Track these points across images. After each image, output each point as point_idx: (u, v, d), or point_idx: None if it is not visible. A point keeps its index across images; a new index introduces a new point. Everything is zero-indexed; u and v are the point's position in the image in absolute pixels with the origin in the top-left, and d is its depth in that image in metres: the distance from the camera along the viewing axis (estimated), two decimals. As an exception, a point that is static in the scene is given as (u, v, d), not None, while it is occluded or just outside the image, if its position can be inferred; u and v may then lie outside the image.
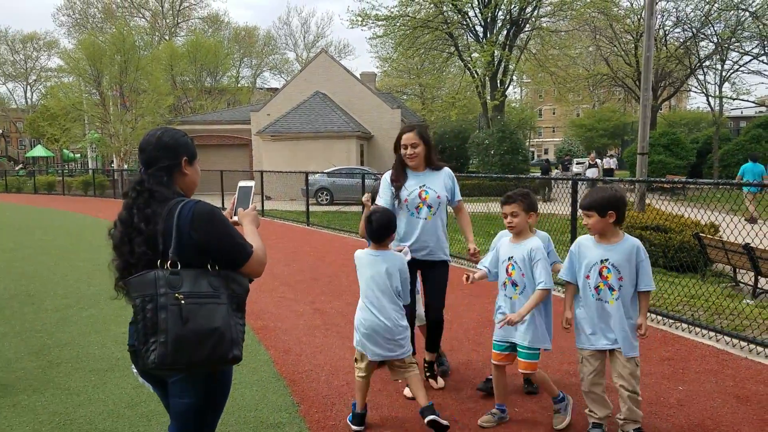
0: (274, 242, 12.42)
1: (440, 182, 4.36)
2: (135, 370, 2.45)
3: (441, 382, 4.52)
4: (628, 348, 3.51)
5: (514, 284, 3.75)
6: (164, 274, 2.16)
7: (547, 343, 3.82)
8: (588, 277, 3.57)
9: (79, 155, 53.00)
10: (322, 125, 26.91)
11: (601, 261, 3.51)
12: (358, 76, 32.21)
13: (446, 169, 4.46)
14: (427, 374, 4.53)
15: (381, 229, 3.79)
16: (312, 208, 16.88)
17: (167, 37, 52.08)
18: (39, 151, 47.11)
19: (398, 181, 4.32)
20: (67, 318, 6.56)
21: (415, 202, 4.26)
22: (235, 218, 2.60)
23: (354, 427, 3.79)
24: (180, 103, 45.60)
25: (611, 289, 3.50)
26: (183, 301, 2.13)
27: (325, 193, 22.99)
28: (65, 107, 31.55)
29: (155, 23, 54.09)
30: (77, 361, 5.16)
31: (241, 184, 2.74)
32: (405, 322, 3.79)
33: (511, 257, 3.76)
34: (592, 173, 22.00)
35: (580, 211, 3.92)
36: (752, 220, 12.75)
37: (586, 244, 3.63)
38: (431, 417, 3.59)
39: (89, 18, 53.01)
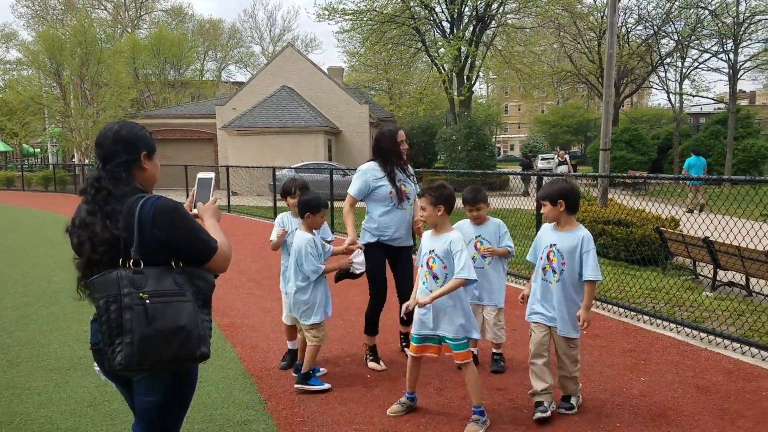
0: (240, 238, 12.30)
1: (410, 177, 4.88)
2: (98, 369, 2.40)
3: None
4: (563, 328, 3.83)
5: (435, 277, 3.77)
6: (127, 273, 2.11)
7: (472, 331, 3.80)
8: (541, 258, 3.95)
9: (39, 150, 51.71)
10: (290, 120, 26.71)
11: (550, 245, 3.88)
12: (326, 71, 32.06)
13: (409, 167, 4.96)
14: (403, 344, 5.03)
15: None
16: (279, 204, 16.75)
17: (130, 30, 51.05)
18: (-3, 145, 45.81)
19: (390, 174, 4.67)
20: (27, 316, 6.40)
21: (402, 195, 4.70)
22: (195, 211, 2.53)
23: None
24: (143, 96, 44.74)
25: (554, 271, 3.85)
26: (148, 301, 2.08)
27: (292, 188, 22.82)
28: (24, 101, 30.76)
29: (117, 15, 52.97)
30: (38, 360, 5.04)
31: (200, 176, 2.66)
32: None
33: (432, 250, 3.78)
34: (562, 170, 22.30)
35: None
36: (698, 209, 13.31)
37: (545, 229, 4.02)
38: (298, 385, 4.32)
39: (49, 10, 51.59)
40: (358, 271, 4.51)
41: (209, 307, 2.30)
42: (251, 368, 4.84)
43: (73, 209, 2.34)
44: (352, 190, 4.71)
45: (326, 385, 4.38)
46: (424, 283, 3.81)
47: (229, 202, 18.53)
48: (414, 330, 3.88)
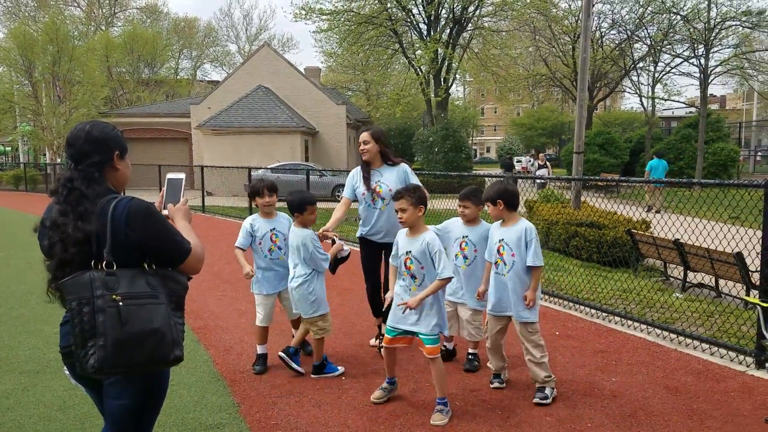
0: (215, 239, 12.19)
1: (394, 177, 4.92)
2: (67, 372, 2.36)
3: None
4: (519, 313, 4.19)
5: (413, 277, 3.93)
6: (100, 275, 2.08)
7: (444, 328, 4.03)
8: (494, 254, 4.29)
9: (9, 148, 50.67)
10: (266, 120, 26.55)
11: (499, 240, 4.25)
12: (303, 71, 31.92)
13: (402, 165, 5.03)
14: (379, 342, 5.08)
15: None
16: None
17: (103, 27, 50.29)
18: (-35, 143, 44.85)
19: (365, 176, 5.00)
20: (-6, 319, 6.27)
21: (371, 195, 4.96)
22: (165, 212, 2.50)
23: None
24: (116, 95, 44.13)
25: (505, 264, 4.21)
26: (121, 303, 2.06)
27: (268, 189, 22.69)
28: (-6, 98, 30.11)
29: (91, 13, 52.07)
30: (6, 363, 4.94)
31: (170, 176, 2.63)
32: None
33: (409, 251, 3.92)
34: (542, 173, 22.39)
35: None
36: (655, 208, 13.73)
37: (493, 228, 4.42)
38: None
39: (21, 6, 50.59)
40: (344, 254, 4.74)
41: (182, 310, 2.28)
42: (224, 371, 4.80)
43: (44, 209, 2.30)
44: (344, 191, 5.19)
45: (341, 368, 4.75)
46: (403, 280, 3.97)
47: (203, 202, 18.37)
48: (390, 322, 4.04)
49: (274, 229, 4.88)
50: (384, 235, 5.01)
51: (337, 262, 4.77)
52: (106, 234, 2.13)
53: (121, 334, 2.04)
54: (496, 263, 4.27)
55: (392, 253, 4.14)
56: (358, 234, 5.23)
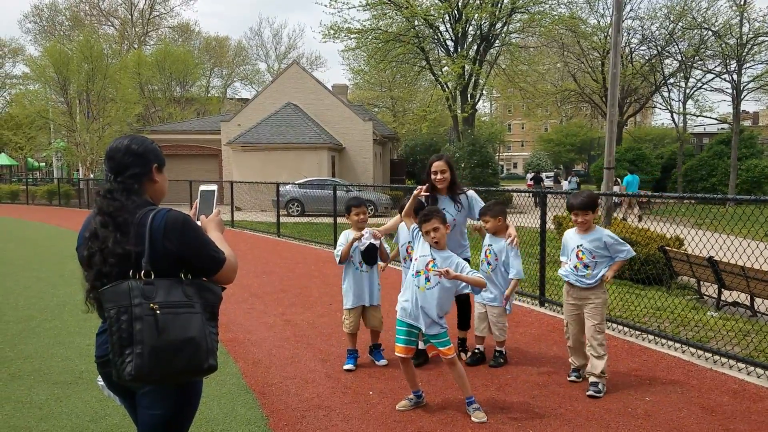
0: (244, 253, 12.30)
1: (453, 206, 5.23)
2: (101, 383, 2.39)
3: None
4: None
5: (428, 279, 4.16)
6: (138, 284, 2.12)
7: (443, 324, 4.24)
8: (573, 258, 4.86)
9: (44, 164, 51.91)
10: (294, 136, 26.82)
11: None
12: (330, 88, 32.22)
13: (469, 192, 5.40)
14: (459, 350, 5.42)
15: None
16: (283, 219, 16.78)
17: (136, 46, 51.45)
18: (2, 159, 45.92)
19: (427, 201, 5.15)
20: (29, 330, 6.39)
21: None
22: (199, 223, 2.53)
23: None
24: (148, 112, 45.01)
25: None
26: (158, 312, 2.09)
27: (296, 204, 22.89)
28: (30, 115, 30.94)
29: (124, 32, 53.38)
30: (39, 374, 5.02)
31: (203, 188, 2.66)
32: None
33: (435, 259, 4.18)
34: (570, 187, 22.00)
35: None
36: (637, 218, 13.75)
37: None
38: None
39: (57, 25, 52.11)
40: (362, 247, 5.06)
41: (216, 320, 2.30)
42: (253, 384, 4.81)
43: (77, 223, 2.36)
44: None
45: (384, 361, 5.21)
46: (417, 276, 4.20)
47: (232, 217, 18.55)
48: (400, 333, 4.26)
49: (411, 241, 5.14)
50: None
51: (367, 253, 5.10)
52: (144, 244, 2.17)
53: (158, 342, 2.07)
54: (575, 267, 4.74)
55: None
56: None
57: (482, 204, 5.32)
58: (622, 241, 4.78)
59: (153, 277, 2.15)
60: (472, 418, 4.09)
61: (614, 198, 14.74)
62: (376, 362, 5.25)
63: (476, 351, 5.31)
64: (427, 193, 4.99)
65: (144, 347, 2.06)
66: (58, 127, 31.58)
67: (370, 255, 5.12)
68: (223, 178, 29.12)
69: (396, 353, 4.29)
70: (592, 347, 4.68)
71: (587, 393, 4.56)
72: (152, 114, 45.75)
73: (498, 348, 5.28)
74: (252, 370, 5.16)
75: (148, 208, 2.25)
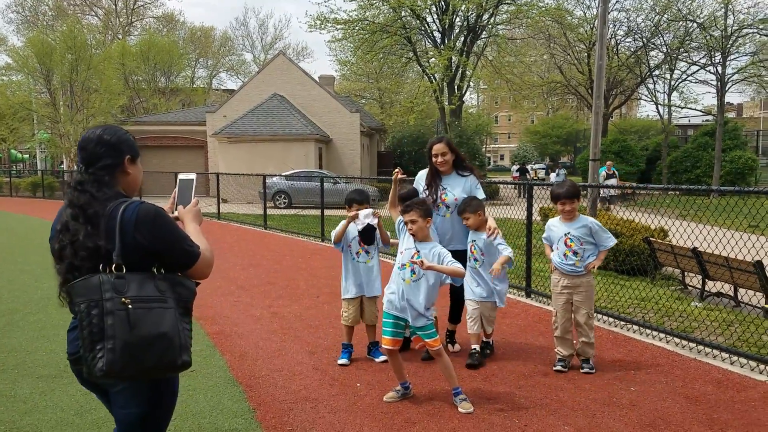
0: (230, 245, 12.24)
1: (460, 187, 5.13)
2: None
3: (457, 347, 5.45)
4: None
5: (413, 271, 4.18)
6: (109, 278, 2.07)
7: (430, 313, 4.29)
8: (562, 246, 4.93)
9: (27, 156, 51.30)
10: (280, 128, 26.68)
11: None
12: (317, 79, 32.08)
13: (471, 177, 5.21)
14: (447, 341, 5.47)
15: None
16: (269, 212, 16.70)
17: (120, 36, 50.87)
18: (-16, 151, 45.45)
19: (430, 184, 5.16)
20: (13, 323, 6.33)
21: (440, 202, 5.12)
22: (176, 213, 2.48)
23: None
24: (132, 103, 44.56)
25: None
26: (130, 306, 2.05)
27: (283, 196, 22.81)
28: (13, 106, 30.54)
29: (108, 22, 52.73)
30: (24, 368, 4.97)
31: (181, 177, 2.58)
32: None
33: (419, 251, 4.20)
34: (612, 183, 19.76)
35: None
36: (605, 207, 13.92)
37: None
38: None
39: (40, 15, 51.34)
40: (359, 227, 4.98)
41: (190, 315, 2.26)
42: (240, 376, 4.80)
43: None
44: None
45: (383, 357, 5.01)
46: (402, 269, 4.22)
47: (219, 209, 18.46)
48: (387, 326, 4.26)
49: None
50: (449, 241, 5.09)
51: (364, 233, 5.04)
52: (114, 237, 2.11)
53: (130, 338, 2.03)
54: (564, 255, 4.84)
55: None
56: None
57: (482, 193, 5.21)
58: (605, 229, 4.90)
59: (124, 271, 2.10)
60: (459, 409, 4.11)
61: (609, 190, 14.72)
62: (375, 360, 5.15)
63: (473, 351, 5.10)
64: (403, 176, 5.09)
65: (116, 342, 2.01)
66: (41, 119, 31.22)
67: (368, 235, 5.04)
68: (208, 169, 28.97)
69: (383, 345, 4.31)
70: (583, 333, 4.85)
71: (582, 370, 4.82)
72: (137, 105, 45.31)
73: (485, 339, 5.27)
74: (239, 362, 5.14)
75: (120, 201, 2.19)
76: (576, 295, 4.87)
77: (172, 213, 2.50)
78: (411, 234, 4.22)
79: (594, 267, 4.85)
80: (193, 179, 2.58)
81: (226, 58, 59.26)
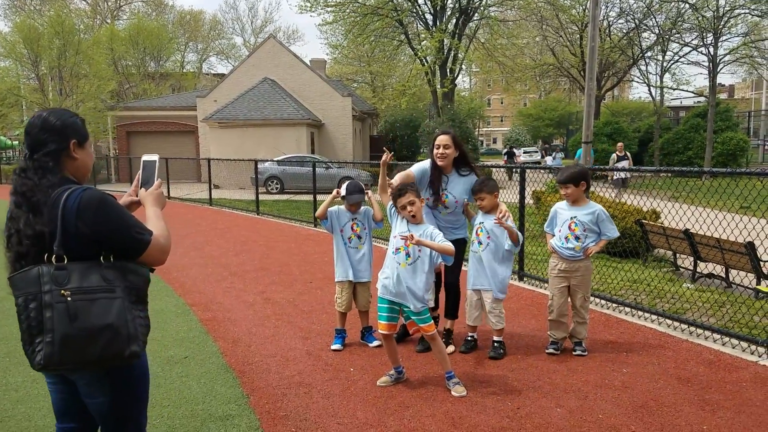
0: (222, 231, 12.20)
1: (460, 188, 4.94)
2: None
3: (451, 347, 5.08)
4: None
5: (408, 254, 4.19)
6: (49, 269, 2.02)
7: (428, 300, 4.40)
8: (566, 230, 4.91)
9: (17, 143, 50.82)
10: (272, 112, 26.51)
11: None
12: (308, 63, 31.83)
13: (472, 176, 5.00)
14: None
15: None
16: (262, 197, 16.65)
17: (109, 21, 50.29)
18: (-27, 138, 44.97)
19: (433, 180, 4.92)
20: (2, 311, 6.28)
21: (434, 201, 4.94)
22: (132, 198, 2.42)
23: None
24: (122, 88, 44.15)
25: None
26: (69, 298, 2.00)
27: (275, 181, 22.72)
28: (1, 92, 30.18)
29: (96, 6, 52.08)
30: (15, 356, 4.95)
31: (145, 158, 2.49)
32: None
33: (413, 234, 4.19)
34: (623, 165, 18.85)
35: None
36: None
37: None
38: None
39: (26, 0, 50.67)
40: (344, 192, 5.08)
41: (144, 303, 2.21)
42: (233, 362, 4.79)
43: None
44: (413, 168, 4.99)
45: (376, 342, 5.04)
46: (397, 253, 4.22)
47: (210, 195, 18.38)
48: (381, 300, 4.28)
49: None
50: (447, 233, 4.92)
51: (349, 192, 5.06)
52: (56, 226, 2.06)
53: (70, 330, 1.99)
54: (566, 238, 4.85)
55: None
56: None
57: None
58: (611, 219, 4.91)
59: (66, 261, 2.05)
60: (452, 393, 4.12)
61: (622, 174, 14.41)
62: (369, 345, 5.15)
63: (469, 338, 5.04)
64: (393, 159, 4.97)
65: (54, 335, 1.97)
66: (30, 105, 30.88)
67: (353, 192, 5.04)
68: (200, 155, 28.79)
69: (379, 330, 4.31)
70: (579, 315, 4.92)
71: (575, 353, 4.87)
72: (126, 90, 44.90)
73: (496, 338, 4.93)
74: (232, 348, 5.13)
75: (64, 188, 2.11)
76: (573, 279, 4.88)
77: (136, 196, 2.44)
78: (411, 215, 4.16)
79: (591, 252, 4.85)
80: (156, 160, 2.50)
81: (215, 42, 58.76)
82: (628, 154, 19.96)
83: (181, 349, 5.13)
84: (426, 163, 4.99)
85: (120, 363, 2.13)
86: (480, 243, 4.88)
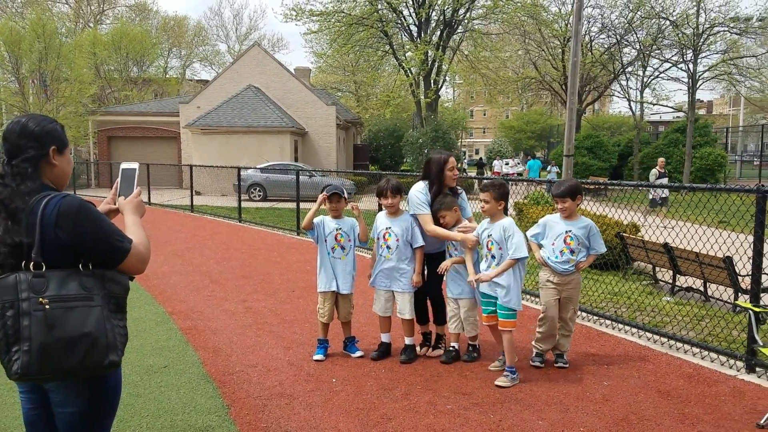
0: (203, 239, 12.10)
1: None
2: None
3: (438, 351, 5.22)
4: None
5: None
6: (26, 277, 1.99)
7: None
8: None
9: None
10: (255, 120, 26.42)
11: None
12: (293, 71, 31.81)
13: (462, 193, 5.23)
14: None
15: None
16: (244, 204, 16.55)
17: (92, 25, 49.88)
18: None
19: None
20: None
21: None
22: (109, 207, 2.39)
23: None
24: (104, 93, 43.77)
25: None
26: (47, 306, 1.96)
27: (258, 188, 22.63)
28: (-20, 95, 29.79)
29: (79, 10, 51.60)
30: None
31: (124, 166, 2.47)
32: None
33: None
34: (662, 182, 17.51)
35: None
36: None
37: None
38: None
39: (8, 2, 50.09)
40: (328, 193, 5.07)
41: (123, 312, 2.18)
42: (214, 372, 4.74)
43: None
44: (425, 208, 4.98)
45: (360, 352, 5.17)
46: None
47: (192, 201, 18.25)
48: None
49: (389, 227, 5.06)
50: (429, 248, 5.10)
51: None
52: (35, 234, 2.03)
53: (48, 339, 1.96)
54: (561, 251, 4.86)
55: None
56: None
57: (467, 205, 5.23)
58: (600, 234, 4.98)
59: (44, 269, 2.02)
60: (499, 380, 4.52)
61: (660, 191, 13.60)
62: (352, 355, 5.12)
63: (452, 348, 5.09)
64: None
65: (32, 344, 1.94)
66: (10, 108, 30.48)
67: (332, 188, 5.07)
68: (182, 161, 28.57)
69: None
70: (566, 327, 4.96)
71: (556, 365, 4.91)
72: (108, 95, 44.50)
73: (471, 342, 5.13)
74: (212, 358, 5.08)
75: (43, 195, 2.09)
76: (565, 291, 4.88)
77: (114, 204, 2.41)
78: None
79: (582, 267, 4.90)
80: (135, 168, 2.48)
81: (199, 48, 58.47)
82: (666, 171, 17.97)
83: (160, 358, 5.07)
84: (422, 187, 5.11)
85: (98, 373, 2.10)
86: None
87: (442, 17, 27.70)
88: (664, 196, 14.34)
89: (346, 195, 5.17)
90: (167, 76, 53.20)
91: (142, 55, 47.30)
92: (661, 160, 17.50)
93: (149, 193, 19.13)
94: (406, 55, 28.82)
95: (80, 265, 2.09)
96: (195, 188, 19.31)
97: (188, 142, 28.02)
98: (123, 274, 2.18)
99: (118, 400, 2.29)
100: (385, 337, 5.15)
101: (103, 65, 44.42)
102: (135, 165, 2.50)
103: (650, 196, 14.76)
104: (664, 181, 16.43)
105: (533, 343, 5.04)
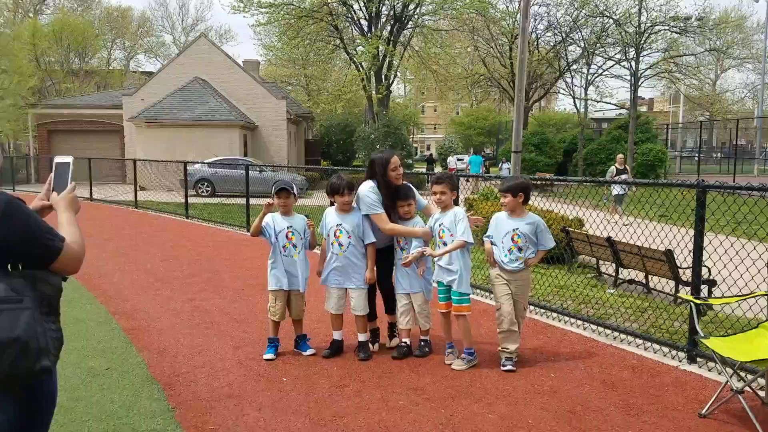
0: (148, 236, 11.80)
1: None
2: None
3: (395, 341, 5.26)
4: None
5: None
6: None
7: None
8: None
9: None
10: (203, 113, 25.89)
11: (514, 230, 4.86)
12: (241, 64, 31.31)
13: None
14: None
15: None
16: (191, 200, 16.19)
17: (32, 15, 47.96)
18: None
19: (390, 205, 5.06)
20: None
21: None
22: (43, 203, 2.28)
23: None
24: (44, 85, 42.21)
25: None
26: None
27: (205, 184, 22.20)
28: None
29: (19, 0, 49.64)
30: None
31: (57, 160, 2.36)
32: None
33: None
34: (624, 178, 16.98)
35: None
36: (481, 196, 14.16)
37: (502, 218, 4.97)
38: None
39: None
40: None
41: (56, 314, 2.07)
42: (158, 374, 4.61)
43: None
44: (380, 208, 4.96)
45: (311, 350, 5.12)
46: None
47: (136, 197, 17.77)
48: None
49: (340, 224, 5.01)
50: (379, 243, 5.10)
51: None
52: None
53: None
54: (509, 250, 4.84)
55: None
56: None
57: (423, 200, 5.30)
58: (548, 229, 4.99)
59: None
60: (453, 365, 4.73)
61: (619, 187, 13.63)
62: (303, 353, 5.06)
63: (403, 344, 5.08)
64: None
65: None
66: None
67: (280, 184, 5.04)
68: (125, 155, 27.79)
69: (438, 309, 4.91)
70: (518, 324, 4.91)
71: (505, 368, 4.74)
72: (49, 87, 42.96)
73: (423, 337, 5.11)
74: (157, 359, 4.94)
75: None
76: (513, 285, 4.86)
77: (47, 200, 2.30)
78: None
79: (532, 264, 4.95)
80: (69, 162, 2.37)
81: (144, 39, 56.97)
82: (628, 167, 18.26)
83: (102, 360, 4.90)
84: (369, 187, 5.07)
85: (29, 379, 1.99)
86: (402, 249, 5.02)
87: (392, 12, 27.71)
88: (623, 192, 14.56)
89: (296, 190, 5.11)
90: (110, 68, 51.68)
91: (84, 46, 45.86)
92: (620, 156, 17.42)
93: (91, 189, 18.53)
94: (358, 49, 28.74)
95: (8, 266, 1.98)
96: (139, 183, 18.80)
97: (132, 135, 27.27)
98: (55, 274, 2.06)
99: (54, 406, 2.18)
100: (337, 335, 5.11)
101: (43, 57, 42.89)
102: (69, 159, 2.38)
103: (614, 192, 14.77)
104: (625, 177, 16.10)
105: (499, 348, 4.88)
